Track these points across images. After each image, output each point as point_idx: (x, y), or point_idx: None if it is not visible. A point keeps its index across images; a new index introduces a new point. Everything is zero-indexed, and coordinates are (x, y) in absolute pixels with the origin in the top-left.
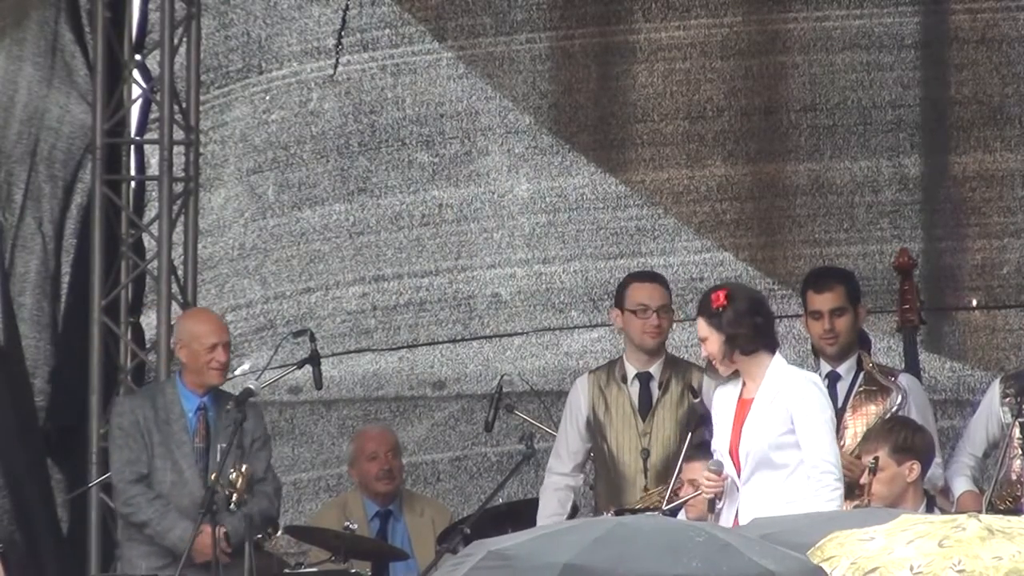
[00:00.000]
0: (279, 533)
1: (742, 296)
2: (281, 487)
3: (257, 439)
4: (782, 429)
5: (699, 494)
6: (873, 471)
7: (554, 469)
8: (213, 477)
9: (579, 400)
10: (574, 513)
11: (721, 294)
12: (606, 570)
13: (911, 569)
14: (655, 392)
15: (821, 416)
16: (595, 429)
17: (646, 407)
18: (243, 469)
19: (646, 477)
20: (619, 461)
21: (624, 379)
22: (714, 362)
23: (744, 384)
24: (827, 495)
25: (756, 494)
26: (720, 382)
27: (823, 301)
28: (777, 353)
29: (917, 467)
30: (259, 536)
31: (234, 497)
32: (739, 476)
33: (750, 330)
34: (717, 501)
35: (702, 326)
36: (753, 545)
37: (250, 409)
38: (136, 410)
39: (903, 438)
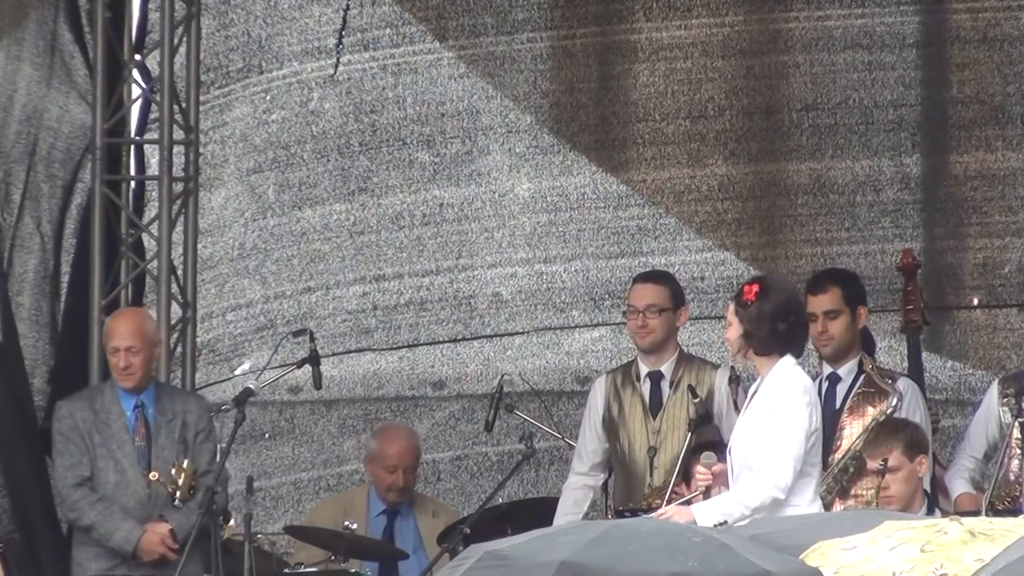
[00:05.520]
0: (231, 523)
1: (773, 296)
2: (228, 477)
3: (201, 431)
4: (762, 433)
5: (697, 493)
6: (882, 473)
7: (574, 469)
8: (154, 475)
9: (596, 400)
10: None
11: (754, 288)
12: (603, 568)
13: (894, 575)
14: (665, 391)
15: (787, 432)
16: (610, 428)
17: (656, 406)
18: (184, 464)
19: (652, 475)
20: (631, 460)
21: (638, 378)
22: (731, 350)
23: (759, 382)
24: (755, 499)
25: None
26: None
27: (817, 303)
28: (787, 356)
29: (926, 462)
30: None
31: (177, 493)
32: (732, 474)
33: (768, 333)
34: (712, 493)
35: (729, 310)
36: (750, 546)
37: (192, 400)
38: (75, 413)
39: (910, 434)
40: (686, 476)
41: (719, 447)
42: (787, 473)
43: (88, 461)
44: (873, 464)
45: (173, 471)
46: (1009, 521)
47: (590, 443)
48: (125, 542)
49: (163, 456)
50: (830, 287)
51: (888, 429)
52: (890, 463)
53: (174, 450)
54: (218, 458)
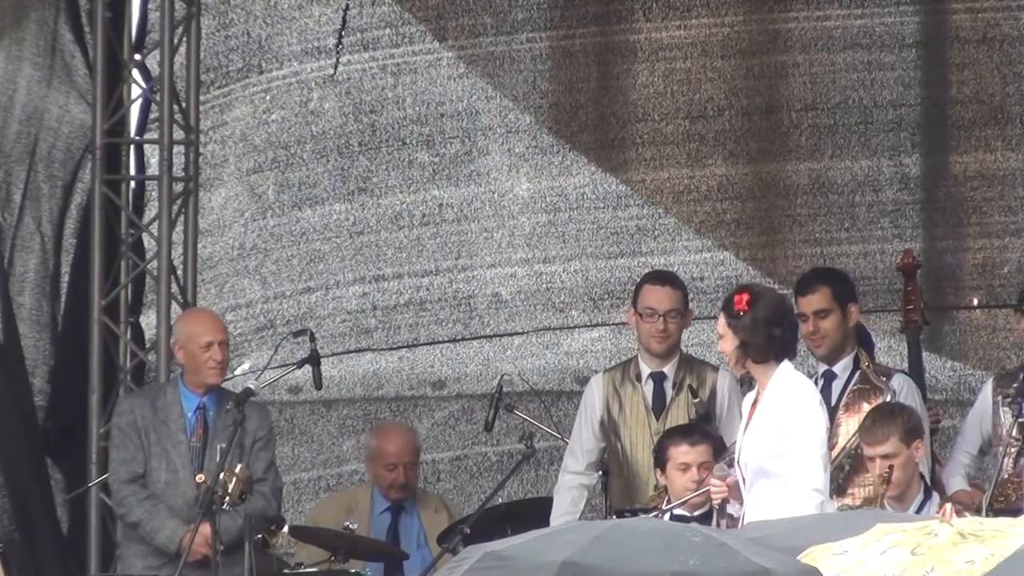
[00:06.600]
0: (284, 531)
1: (765, 303)
2: (282, 486)
3: (259, 439)
4: (777, 439)
5: (700, 492)
6: (887, 480)
7: (568, 468)
8: (200, 478)
9: (594, 399)
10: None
11: (744, 297)
12: (604, 567)
13: None
14: (669, 392)
15: (809, 435)
16: (609, 428)
17: (660, 406)
18: (236, 470)
19: (657, 476)
20: (633, 460)
21: (638, 378)
22: (727, 361)
23: (758, 390)
24: (803, 511)
25: (757, 503)
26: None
27: (807, 303)
28: (785, 361)
29: (922, 447)
30: (259, 536)
31: (226, 498)
32: (744, 484)
33: (764, 340)
34: (727, 505)
35: (721, 323)
36: (749, 546)
37: (254, 409)
38: (135, 410)
39: (906, 419)
40: (659, 461)
41: (696, 432)
42: (820, 473)
43: (142, 458)
44: (875, 467)
45: (223, 475)
46: (999, 521)
47: (587, 442)
48: (168, 541)
49: (217, 460)
50: (818, 286)
51: (884, 415)
52: (889, 452)
53: (231, 455)
54: (227, 459)
